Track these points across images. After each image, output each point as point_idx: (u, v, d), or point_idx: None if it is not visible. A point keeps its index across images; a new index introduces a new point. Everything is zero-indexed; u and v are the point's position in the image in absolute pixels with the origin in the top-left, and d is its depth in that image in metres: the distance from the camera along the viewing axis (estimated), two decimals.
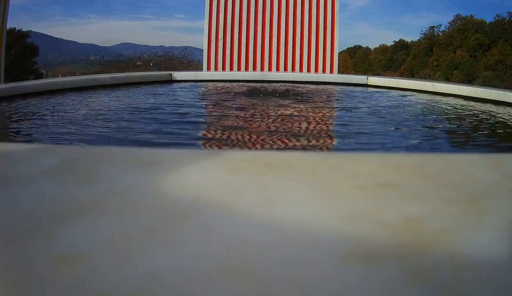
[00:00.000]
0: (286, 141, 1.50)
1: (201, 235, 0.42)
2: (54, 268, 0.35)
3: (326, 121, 2.04)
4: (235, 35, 4.57)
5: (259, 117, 1.98)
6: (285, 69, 4.57)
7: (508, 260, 0.38)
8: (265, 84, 3.40)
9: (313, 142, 1.51)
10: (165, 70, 5.31)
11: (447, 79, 24.78)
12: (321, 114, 2.16)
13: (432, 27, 32.06)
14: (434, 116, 2.18)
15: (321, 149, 1.43)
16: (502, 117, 2.16)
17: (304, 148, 1.40)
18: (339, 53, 4.81)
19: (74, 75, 11.20)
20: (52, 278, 0.34)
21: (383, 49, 34.70)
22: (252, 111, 2.12)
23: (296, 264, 0.37)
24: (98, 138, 1.48)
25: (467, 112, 2.32)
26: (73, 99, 2.50)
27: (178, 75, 3.82)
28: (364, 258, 0.37)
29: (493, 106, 2.55)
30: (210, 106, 2.43)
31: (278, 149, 1.39)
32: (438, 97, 2.94)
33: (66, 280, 0.33)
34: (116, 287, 0.33)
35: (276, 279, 0.34)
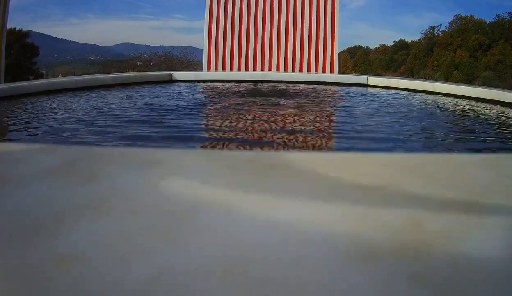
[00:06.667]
0: (287, 141, 1.50)
1: (201, 235, 0.42)
2: (54, 268, 0.35)
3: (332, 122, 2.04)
4: (235, 35, 4.58)
5: (259, 117, 1.98)
6: (285, 69, 4.57)
7: (508, 260, 0.38)
8: (265, 84, 3.40)
9: (314, 142, 1.51)
10: (165, 70, 5.30)
11: (447, 79, 24.78)
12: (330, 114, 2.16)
13: (432, 27, 32.07)
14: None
15: (321, 149, 1.43)
16: None
17: (304, 148, 1.40)
18: (339, 53, 4.80)
19: (74, 75, 11.22)
20: (52, 278, 0.34)
21: (383, 49, 34.71)
22: (252, 111, 2.12)
23: (296, 264, 0.37)
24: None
25: None
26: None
27: (178, 75, 3.82)
28: (364, 258, 0.37)
29: None
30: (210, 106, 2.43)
31: (278, 149, 1.39)
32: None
33: (66, 280, 0.33)
34: (116, 287, 0.33)
35: (277, 279, 0.34)
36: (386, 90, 3.43)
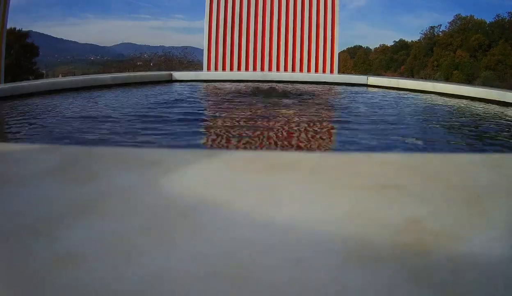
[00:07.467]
0: (286, 141, 1.50)
1: (201, 235, 0.42)
2: (53, 267, 0.35)
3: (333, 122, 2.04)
4: (235, 35, 4.58)
5: (260, 117, 1.98)
6: (285, 69, 4.57)
7: (508, 260, 0.38)
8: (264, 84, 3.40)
9: (314, 142, 1.51)
10: (165, 70, 5.30)
11: (447, 79, 24.78)
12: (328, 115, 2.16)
13: (432, 27, 32.06)
14: None
15: (321, 149, 1.43)
16: None
17: (304, 148, 1.40)
18: (339, 53, 4.80)
19: (74, 75, 11.21)
20: (52, 277, 0.34)
21: (383, 49, 34.68)
22: (252, 111, 2.12)
23: (296, 265, 0.37)
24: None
25: None
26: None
27: (178, 75, 3.82)
28: (365, 258, 0.37)
29: None
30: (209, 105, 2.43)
31: (278, 149, 1.39)
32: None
33: (66, 280, 0.33)
34: (115, 286, 0.33)
35: (277, 280, 0.34)
36: (386, 90, 3.43)
